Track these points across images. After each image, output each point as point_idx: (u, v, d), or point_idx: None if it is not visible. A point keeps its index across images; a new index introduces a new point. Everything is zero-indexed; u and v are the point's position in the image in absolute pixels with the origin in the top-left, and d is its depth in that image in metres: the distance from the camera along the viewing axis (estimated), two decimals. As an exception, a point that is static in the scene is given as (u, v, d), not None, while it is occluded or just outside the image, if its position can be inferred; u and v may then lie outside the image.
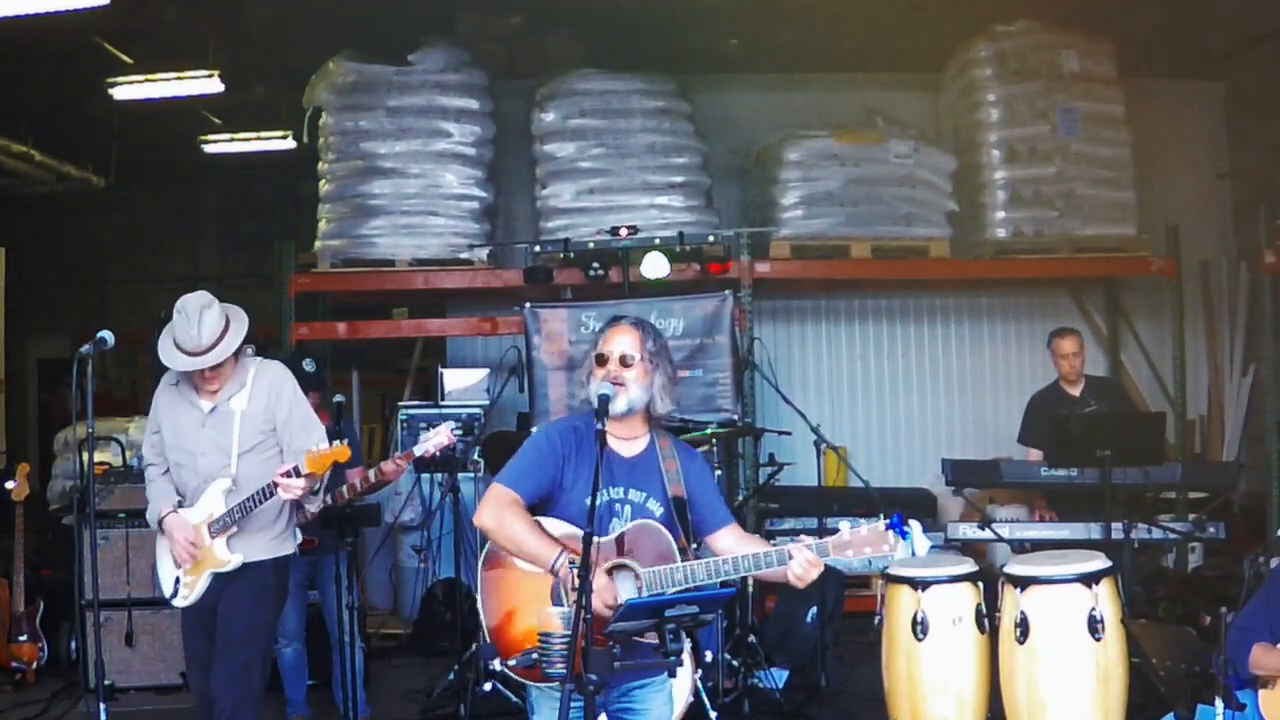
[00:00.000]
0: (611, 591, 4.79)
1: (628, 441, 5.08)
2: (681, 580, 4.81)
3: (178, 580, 6.56)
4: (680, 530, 5.00)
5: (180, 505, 6.59)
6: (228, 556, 6.48)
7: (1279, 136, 13.19)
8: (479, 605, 5.01)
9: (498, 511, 4.91)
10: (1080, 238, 12.71)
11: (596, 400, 4.88)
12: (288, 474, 6.27)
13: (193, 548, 6.46)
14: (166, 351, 6.41)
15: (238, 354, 6.58)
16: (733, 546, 5.02)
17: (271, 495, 6.38)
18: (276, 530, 6.73)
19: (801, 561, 4.77)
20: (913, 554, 8.33)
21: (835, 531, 4.84)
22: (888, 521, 4.79)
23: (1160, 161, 13.63)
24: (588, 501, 4.77)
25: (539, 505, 5.00)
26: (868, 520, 4.83)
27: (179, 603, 6.62)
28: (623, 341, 5.09)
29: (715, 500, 5.22)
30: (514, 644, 4.85)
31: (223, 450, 6.52)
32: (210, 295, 6.51)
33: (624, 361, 5.05)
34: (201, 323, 6.34)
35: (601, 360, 5.06)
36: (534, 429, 10.12)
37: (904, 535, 4.79)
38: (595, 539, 4.61)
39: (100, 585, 8.17)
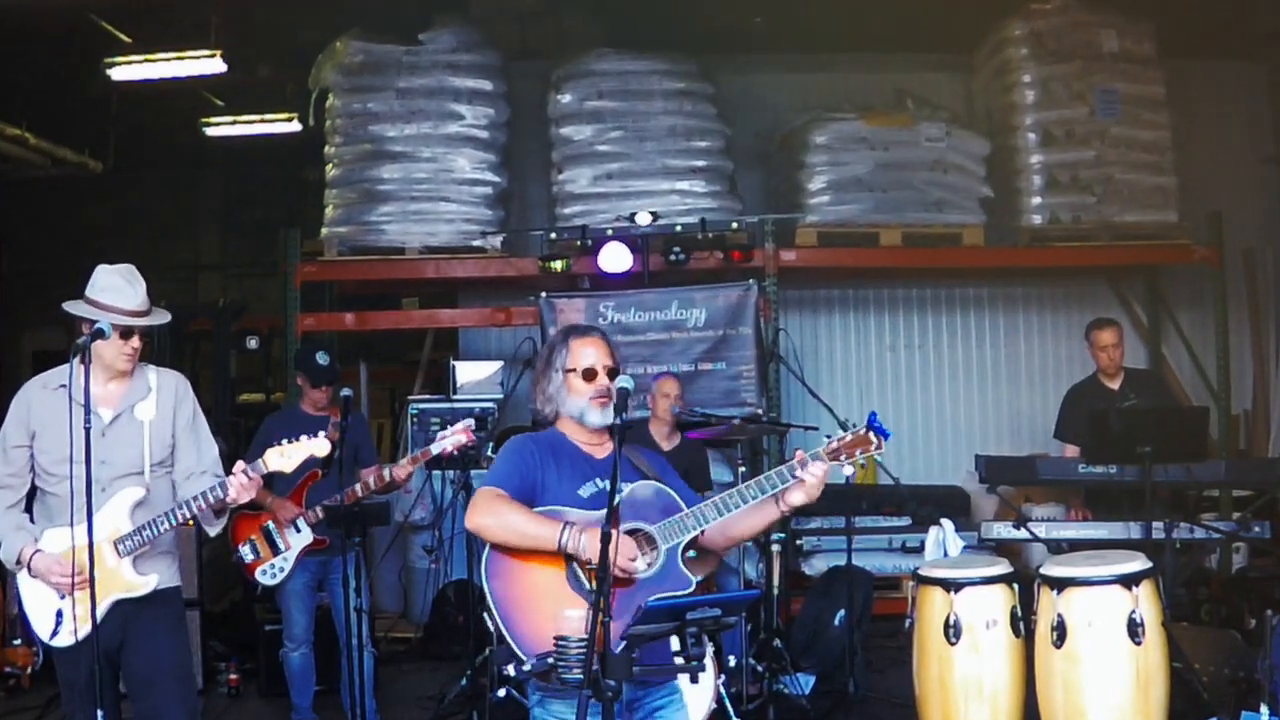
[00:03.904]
0: (630, 547, 4.85)
1: (599, 446, 5.17)
2: (693, 526, 4.95)
3: (59, 614, 6.01)
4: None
5: (40, 525, 6.17)
6: (140, 579, 6.10)
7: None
8: (493, 612, 5.00)
9: (490, 506, 4.93)
10: (1119, 224, 12.68)
11: (616, 395, 4.88)
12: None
13: (72, 577, 5.93)
14: (92, 311, 6.02)
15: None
16: (715, 528, 5.07)
17: (205, 506, 6.02)
18: (176, 555, 6.45)
19: (808, 475, 4.96)
20: (945, 554, 8.43)
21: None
22: (867, 423, 5.01)
23: (1202, 145, 13.58)
24: (579, 493, 4.96)
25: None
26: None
27: (63, 640, 6.01)
28: (599, 354, 5.19)
29: (685, 488, 5.28)
30: (531, 648, 4.83)
31: (132, 461, 6.17)
32: None
33: (611, 374, 5.15)
34: (140, 285, 6.16)
35: (591, 375, 5.13)
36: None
37: (883, 433, 5.01)
38: (596, 516, 4.68)
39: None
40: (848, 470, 5.02)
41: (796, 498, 4.98)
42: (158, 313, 6.29)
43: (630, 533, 4.93)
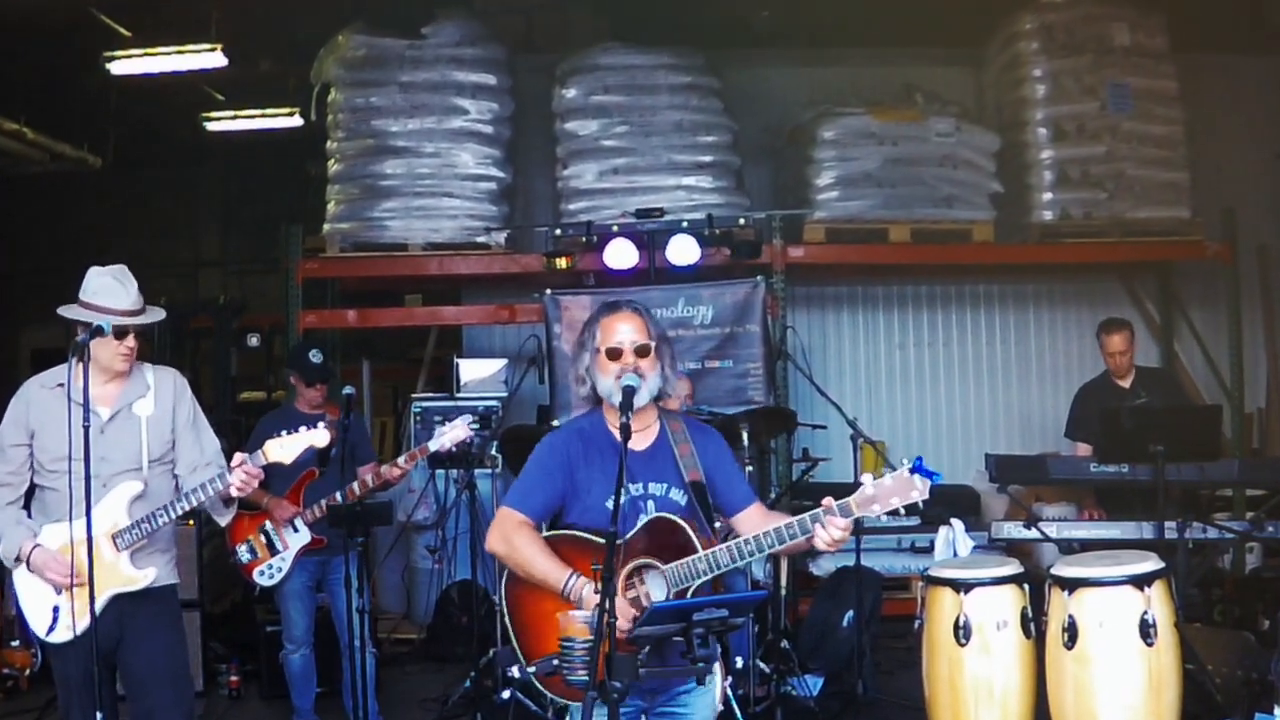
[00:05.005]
0: (631, 611, 4.79)
1: (640, 433, 5.08)
2: (705, 570, 4.86)
3: (56, 610, 6.04)
4: (704, 517, 5.04)
5: (38, 521, 6.21)
6: (138, 573, 6.12)
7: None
8: (505, 618, 5.01)
9: (506, 536, 4.99)
10: (1131, 221, 12.67)
11: (621, 393, 4.88)
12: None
13: (71, 572, 5.96)
14: (86, 314, 6.06)
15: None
16: (757, 526, 4.99)
17: (207, 496, 6.04)
18: (174, 553, 6.47)
19: (828, 533, 4.77)
20: (955, 554, 8.41)
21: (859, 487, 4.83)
22: (911, 466, 4.78)
23: (1215, 140, 13.55)
24: (607, 504, 4.82)
25: (556, 514, 5.01)
26: (891, 472, 4.82)
27: (60, 636, 6.04)
28: (630, 330, 5.11)
29: (735, 478, 5.25)
30: (539, 653, 4.85)
31: (131, 457, 6.21)
32: None
33: (640, 351, 5.07)
34: (132, 285, 6.19)
35: (615, 354, 5.07)
36: (554, 423, 10.12)
37: (930, 476, 4.76)
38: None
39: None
40: (882, 517, 4.88)
41: (815, 544, 4.84)
42: (152, 311, 6.31)
43: (641, 568, 4.92)
